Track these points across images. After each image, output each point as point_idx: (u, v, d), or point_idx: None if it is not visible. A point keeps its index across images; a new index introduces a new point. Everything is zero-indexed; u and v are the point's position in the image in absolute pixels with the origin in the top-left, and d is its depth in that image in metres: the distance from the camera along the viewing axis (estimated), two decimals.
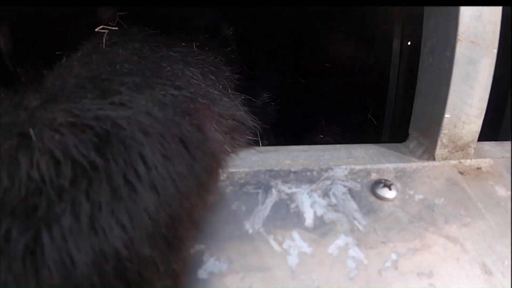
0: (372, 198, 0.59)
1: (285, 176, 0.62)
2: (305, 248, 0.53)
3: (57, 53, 0.66)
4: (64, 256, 0.34)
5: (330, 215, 0.56)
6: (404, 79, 1.84)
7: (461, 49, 0.59)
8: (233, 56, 1.01)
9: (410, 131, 0.73)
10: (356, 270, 0.51)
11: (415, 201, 0.59)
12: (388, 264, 0.52)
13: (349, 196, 0.59)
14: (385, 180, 0.60)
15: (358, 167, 0.63)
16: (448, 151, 0.65)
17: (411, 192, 0.60)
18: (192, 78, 0.64)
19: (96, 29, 0.74)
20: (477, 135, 0.65)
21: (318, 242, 0.54)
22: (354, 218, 0.56)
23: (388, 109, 2.07)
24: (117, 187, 0.39)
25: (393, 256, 0.52)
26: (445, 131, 0.63)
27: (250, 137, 0.69)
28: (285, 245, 0.53)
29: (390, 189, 0.59)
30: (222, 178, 0.61)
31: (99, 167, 0.39)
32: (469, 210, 0.58)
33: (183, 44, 0.77)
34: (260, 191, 0.59)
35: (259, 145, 0.71)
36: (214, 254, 0.53)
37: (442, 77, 0.62)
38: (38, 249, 0.34)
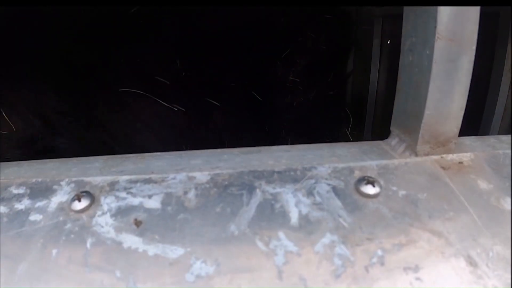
0: (356, 196, 0.59)
1: (269, 176, 0.62)
2: (292, 247, 0.53)
3: None
4: None
5: (315, 214, 0.57)
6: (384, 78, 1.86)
7: (440, 47, 0.59)
8: None
9: (391, 128, 0.74)
10: (343, 267, 0.51)
11: (399, 197, 0.59)
12: (374, 260, 0.52)
13: (333, 194, 0.59)
14: (368, 177, 0.60)
15: (341, 165, 0.63)
16: (430, 146, 0.65)
17: (394, 188, 0.60)
18: None
19: None
20: (457, 131, 0.65)
21: (304, 241, 0.54)
22: (339, 216, 0.56)
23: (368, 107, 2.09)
24: None
25: (379, 252, 0.53)
26: (426, 128, 0.63)
27: None
28: (271, 245, 0.53)
29: (373, 186, 0.59)
30: (205, 180, 0.61)
31: None
32: (452, 204, 0.59)
33: None
34: (244, 192, 0.59)
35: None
36: (200, 257, 0.53)
37: (422, 74, 0.62)
38: None
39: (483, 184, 0.62)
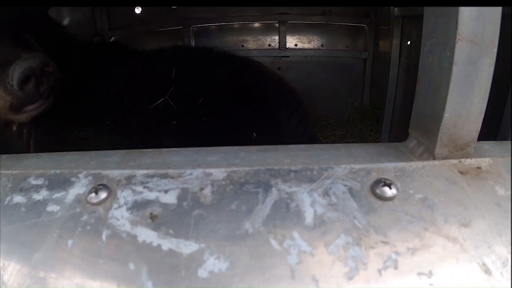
0: (372, 198, 0.59)
1: (285, 175, 0.62)
2: (305, 247, 0.53)
3: None
4: None
5: (330, 214, 0.56)
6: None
7: (461, 49, 0.59)
8: None
9: (410, 130, 0.73)
10: (356, 269, 0.51)
11: (415, 201, 0.59)
12: (388, 263, 0.52)
13: (349, 195, 0.59)
14: (385, 179, 0.60)
15: (358, 166, 0.63)
16: (448, 150, 0.65)
17: (411, 192, 0.60)
18: None
19: None
20: (476, 135, 0.64)
21: (318, 241, 0.54)
22: (354, 217, 0.56)
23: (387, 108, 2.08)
24: None
25: (393, 256, 0.52)
26: (445, 131, 0.63)
27: None
28: (285, 245, 0.53)
29: (390, 188, 0.59)
30: (221, 177, 0.61)
31: None
32: (469, 209, 0.58)
33: None
34: (260, 190, 0.60)
35: None
36: (214, 253, 0.53)
37: (442, 76, 0.62)
38: None
39: (500, 191, 0.61)
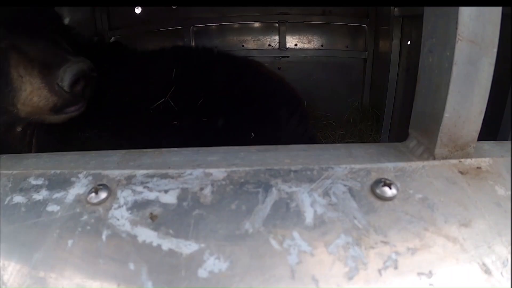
0: (372, 198, 0.59)
1: (285, 175, 0.62)
2: (305, 247, 0.53)
3: None
4: None
5: (330, 214, 0.56)
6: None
7: (461, 49, 0.59)
8: None
9: (410, 130, 0.73)
10: (356, 269, 0.51)
11: (415, 201, 0.59)
12: (388, 263, 0.52)
13: (349, 195, 0.59)
14: (385, 179, 0.60)
15: (358, 166, 0.63)
16: (448, 150, 0.65)
17: (411, 192, 0.60)
18: None
19: None
20: (476, 135, 0.64)
21: (318, 241, 0.54)
22: (354, 217, 0.56)
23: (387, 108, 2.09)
24: None
25: (393, 256, 0.52)
26: (445, 131, 0.63)
27: None
28: (285, 244, 0.53)
29: (390, 188, 0.59)
30: (221, 176, 0.61)
31: None
32: (469, 209, 0.58)
33: None
34: (260, 190, 0.60)
35: None
36: (214, 253, 0.53)
37: (442, 76, 0.62)
38: None
39: (500, 191, 0.61)
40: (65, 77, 1.05)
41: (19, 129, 1.25)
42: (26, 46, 1.09)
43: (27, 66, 1.07)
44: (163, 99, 1.58)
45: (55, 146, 1.31)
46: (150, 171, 0.63)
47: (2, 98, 1.09)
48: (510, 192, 0.61)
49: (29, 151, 1.28)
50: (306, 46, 3.05)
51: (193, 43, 2.99)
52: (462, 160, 0.65)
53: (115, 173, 0.63)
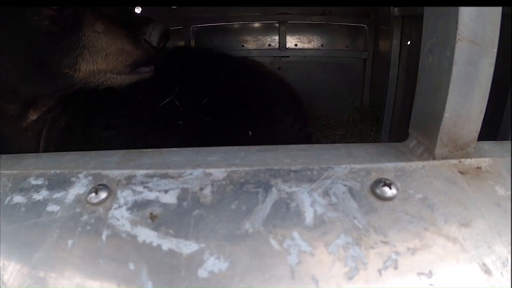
0: (372, 198, 0.59)
1: (285, 175, 0.62)
2: (305, 247, 0.53)
3: None
4: None
5: (330, 214, 0.56)
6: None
7: (461, 49, 0.59)
8: None
9: (410, 130, 0.73)
10: (356, 269, 0.51)
11: (415, 201, 0.59)
12: (388, 263, 0.52)
13: (349, 195, 0.59)
14: (385, 179, 0.60)
15: (358, 166, 0.63)
16: (448, 150, 0.65)
17: (411, 192, 0.60)
18: None
19: None
20: (476, 135, 0.64)
21: (318, 241, 0.54)
22: (354, 217, 0.56)
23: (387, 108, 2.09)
24: None
25: (393, 256, 0.52)
26: (445, 131, 0.63)
27: None
28: (285, 245, 0.53)
29: (390, 188, 0.59)
30: (221, 176, 0.61)
31: None
32: (469, 209, 0.58)
33: None
34: (260, 190, 0.60)
35: None
36: (214, 253, 0.53)
37: (442, 76, 0.62)
38: None
39: (500, 191, 0.61)
40: (154, 32, 1.14)
41: (34, 116, 1.24)
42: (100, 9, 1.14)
43: (106, 22, 1.12)
44: (169, 98, 1.60)
45: (76, 144, 1.31)
46: (150, 171, 0.63)
47: (59, 61, 1.09)
48: (510, 192, 0.61)
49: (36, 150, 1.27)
50: (306, 46, 3.06)
51: (193, 43, 3.00)
52: (462, 160, 0.65)
53: (115, 173, 0.63)
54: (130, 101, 1.48)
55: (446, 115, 0.62)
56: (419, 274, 0.51)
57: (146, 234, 0.55)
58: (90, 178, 0.63)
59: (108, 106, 1.38)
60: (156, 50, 1.17)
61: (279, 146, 0.71)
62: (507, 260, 0.53)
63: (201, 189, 0.60)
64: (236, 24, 3.04)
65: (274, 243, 0.54)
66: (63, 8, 1.05)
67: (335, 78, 3.05)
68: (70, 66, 1.09)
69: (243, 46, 3.06)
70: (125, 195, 0.60)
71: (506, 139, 0.99)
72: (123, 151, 0.71)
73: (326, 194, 0.59)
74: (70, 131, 1.31)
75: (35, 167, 0.67)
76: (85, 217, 0.58)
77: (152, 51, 1.17)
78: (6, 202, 0.61)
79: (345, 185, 0.60)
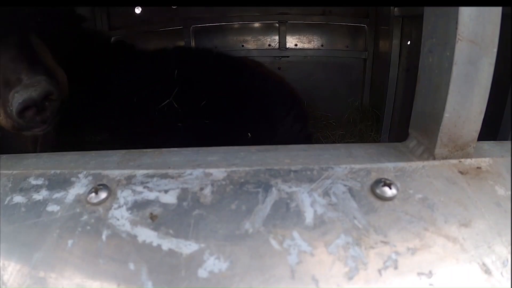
0: (372, 198, 0.59)
1: (285, 175, 0.62)
2: (305, 247, 0.53)
3: None
4: None
5: (330, 214, 0.56)
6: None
7: (461, 49, 0.59)
8: None
9: (410, 130, 0.73)
10: (356, 269, 0.51)
11: (415, 201, 0.59)
12: (388, 263, 0.52)
13: (349, 195, 0.59)
14: (385, 179, 0.60)
15: (358, 166, 0.63)
16: (448, 150, 0.65)
17: (411, 192, 0.60)
18: None
19: None
20: (476, 135, 0.64)
21: (318, 241, 0.54)
22: (354, 217, 0.56)
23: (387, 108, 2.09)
24: None
25: (393, 256, 0.52)
26: (445, 131, 0.63)
27: None
28: (285, 245, 0.53)
29: (390, 188, 0.59)
30: (221, 176, 0.61)
31: None
32: (469, 209, 0.58)
33: None
34: (260, 190, 0.60)
35: None
36: (214, 253, 0.53)
37: (442, 76, 0.62)
38: None
39: (500, 191, 0.61)
40: (13, 103, 0.97)
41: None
42: None
43: None
44: (168, 100, 1.58)
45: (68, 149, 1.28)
46: (150, 171, 0.63)
47: None
48: (510, 192, 0.61)
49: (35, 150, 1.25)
50: (306, 46, 3.05)
51: (193, 43, 2.99)
52: (462, 160, 0.65)
53: (115, 173, 0.63)
54: (125, 103, 1.47)
55: (446, 115, 0.62)
56: (419, 274, 0.51)
57: (146, 234, 0.55)
58: (90, 178, 0.63)
59: (100, 110, 1.34)
60: (25, 120, 1.01)
61: (279, 146, 0.71)
62: (507, 260, 0.53)
63: (201, 189, 0.60)
64: (236, 24, 3.03)
65: (274, 243, 0.54)
66: None
67: (335, 78, 3.05)
68: None
69: (243, 46, 3.06)
70: (125, 195, 0.60)
71: (506, 139, 0.99)
72: (123, 151, 0.71)
73: (326, 194, 0.59)
74: (63, 137, 1.29)
75: (35, 167, 0.67)
76: (85, 217, 0.58)
77: (21, 121, 1.01)
78: (6, 202, 0.61)
79: (345, 185, 0.60)
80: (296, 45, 3.05)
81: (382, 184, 0.59)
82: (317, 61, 3.05)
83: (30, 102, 0.97)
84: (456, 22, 0.57)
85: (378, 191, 0.59)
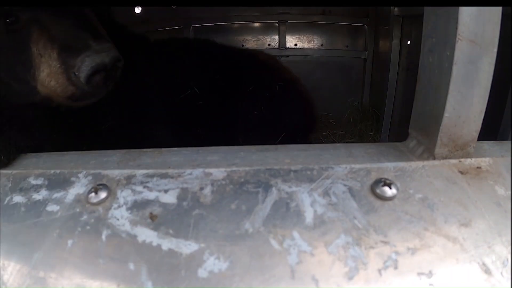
0: (372, 197, 0.59)
1: (285, 175, 0.62)
2: (305, 247, 0.53)
3: None
4: None
5: (330, 214, 0.56)
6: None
7: (461, 49, 0.59)
8: None
9: (409, 130, 0.73)
10: (356, 269, 0.51)
11: (415, 200, 0.59)
12: (388, 263, 0.52)
13: (349, 195, 0.59)
14: (385, 179, 0.60)
15: (358, 166, 0.63)
16: (448, 150, 0.65)
17: (411, 191, 0.60)
18: None
19: None
20: (476, 134, 0.64)
21: (318, 241, 0.54)
22: (354, 217, 0.56)
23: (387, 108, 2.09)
24: None
25: (393, 256, 0.52)
26: (445, 130, 0.63)
27: None
28: (285, 244, 0.53)
29: (390, 188, 0.59)
30: (221, 176, 0.61)
31: None
32: (469, 209, 0.58)
33: None
34: (260, 190, 0.59)
35: None
36: (214, 253, 0.53)
37: (442, 76, 0.62)
38: None
39: (500, 190, 0.61)
40: (82, 68, 0.95)
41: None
42: (49, 21, 0.98)
43: (46, 45, 0.97)
44: (189, 91, 1.64)
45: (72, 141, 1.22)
46: (150, 171, 0.63)
47: (24, 73, 0.99)
48: (510, 192, 0.61)
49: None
50: (306, 46, 3.05)
51: None
52: (462, 160, 0.65)
53: (115, 173, 0.63)
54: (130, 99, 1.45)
55: (446, 115, 0.62)
56: (419, 274, 0.51)
57: (146, 234, 0.55)
58: (90, 178, 0.63)
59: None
60: (90, 86, 0.99)
61: (279, 146, 0.71)
62: (507, 260, 0.53)
63: (201, 189, 0.60)
64: (236, 24, 3.03)
65: (274, 243, 0.53)
66: (15, 22, 0.97)
67: (335, 78, 3.05)
68: (34, 80, 1.00)
69: (243, 45, 3.06)
70: (125, 195, 0.60)
71: (506, 139, 0.98)
72: (123, 151, 0.71)
73: (326, 194, 0.59)
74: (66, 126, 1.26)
75: (35, 167, 0.66)
76: (85, 217, 0.58)
77: (86, 87, 0.99)
78: (6, 202, 0.61)
79: (345, 185, 0.60)
80: (296, 44, 3.05)
81: (382, 184, 0.59)
82: (317, 60, 3.04)
83: (102, 66, 0.96)
84: (456, 22, 0.57)
85: (378, 191, 0.59)
